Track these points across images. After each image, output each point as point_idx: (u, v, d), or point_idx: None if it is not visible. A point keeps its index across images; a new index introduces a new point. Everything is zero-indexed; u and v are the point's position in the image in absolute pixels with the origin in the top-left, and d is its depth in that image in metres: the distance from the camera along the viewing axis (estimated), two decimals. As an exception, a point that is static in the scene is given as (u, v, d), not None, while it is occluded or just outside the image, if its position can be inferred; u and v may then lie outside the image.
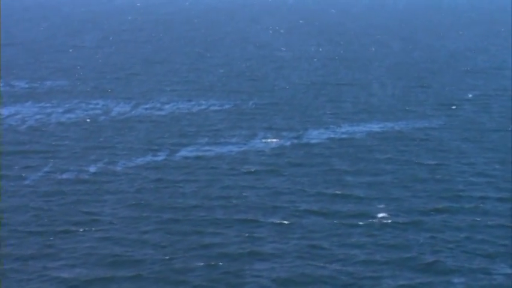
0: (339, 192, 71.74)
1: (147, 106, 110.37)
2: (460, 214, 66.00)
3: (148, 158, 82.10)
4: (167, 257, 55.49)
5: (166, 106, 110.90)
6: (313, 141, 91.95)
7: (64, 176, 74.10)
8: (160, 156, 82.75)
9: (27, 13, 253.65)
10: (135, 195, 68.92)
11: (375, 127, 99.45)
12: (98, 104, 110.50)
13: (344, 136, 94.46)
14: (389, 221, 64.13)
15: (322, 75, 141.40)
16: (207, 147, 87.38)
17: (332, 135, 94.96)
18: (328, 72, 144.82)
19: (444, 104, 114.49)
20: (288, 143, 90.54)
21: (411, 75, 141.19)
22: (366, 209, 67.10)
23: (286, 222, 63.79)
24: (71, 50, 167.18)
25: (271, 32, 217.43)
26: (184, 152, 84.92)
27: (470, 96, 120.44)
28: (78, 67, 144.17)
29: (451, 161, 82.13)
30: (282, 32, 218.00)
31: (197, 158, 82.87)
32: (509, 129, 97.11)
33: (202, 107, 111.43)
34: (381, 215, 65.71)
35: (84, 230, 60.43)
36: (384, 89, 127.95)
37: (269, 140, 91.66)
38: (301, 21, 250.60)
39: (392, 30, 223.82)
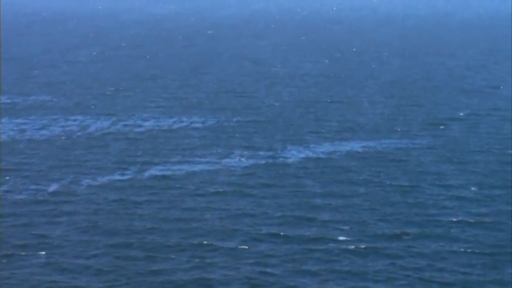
0: (304, 215, 69.21)
1: (127, 123, 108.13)
2: (426, 240, 63.24)
3: (115, 177, 79.80)
4: (108, 284, 52.90)
5: (147, 123, 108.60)
6: (289, 160, 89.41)
7: (21, 196, 71.89)
8: (127, 176, 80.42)
9: (28, 29, 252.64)
10: (90, 217, 66.58)
11: (356, 147, 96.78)
12: (76, 120, 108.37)
13: (322, 156, 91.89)
14: (351, 247, 61.50)
15: (314, 93, 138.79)
16: (177, 167, 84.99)
17: (310, 155, 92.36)
18: (320, 90, 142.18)
19: (432, 123, 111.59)
20: (262, 162, 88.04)
21: (404, 94, 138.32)
22: (328, 233, 64.48)
23: (242, 246, 61.34)
24: (64, 66, 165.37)
25: (270, 48, 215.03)
26: (153, 171, 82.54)
27: (460, 115, 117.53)
28: (67, 82, 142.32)
29: (427, 184, 79.36)
30: (282, 48, 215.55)
31: (165, 177, 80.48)
32: (494, 150, 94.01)
33: (184, 124, 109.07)
34: (342, 239, 63.09)
35: (28, 254, 58.09)
36: (373, 107, 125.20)
37: (244, 159, 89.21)
38: (303, 38, 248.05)
39: (395, 47, 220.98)
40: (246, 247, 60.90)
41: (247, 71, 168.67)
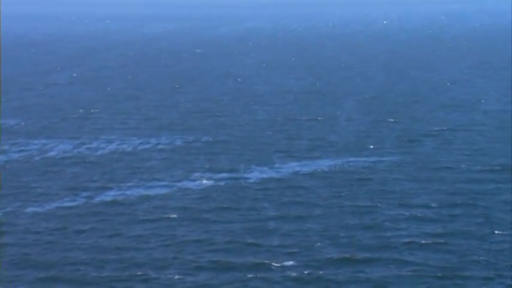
0: (253, 241, 66.08)
1: (90, 146, 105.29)
2: (375, 264, 60.02)
3: (63, 203, 76.80)
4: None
5: (110, 146, 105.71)
6: (250, 182, 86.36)
7: (-44, 227, 68.71)
8: (76, 202, 77.39)
9: (13, 51, 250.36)
10: (24, 249, 63.39)
11: (323, 166, 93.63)
12: (37, 144, 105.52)
13: (285, 176, 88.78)
14: (293, 273, 58.29)
15: (290, 110, 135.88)
16: (131, 191, 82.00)
17: (273, 175, 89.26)
18: (298, 107, 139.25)
19: (406, 140, 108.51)
20: (222, 184, 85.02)
21: (383, 110, 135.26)
22: (274, 259, 61.27)
23: (179, 276, 58.07)
24: (40, 88, 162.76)
25: (257, 66, 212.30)
26: (104, 197, 79.52)
27: (435, 131, 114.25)
28: (39, 106, 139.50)
29: (387, 204, 76.12)
30: (268, 65, 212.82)
31: (115, 203, 77.46)
32: (462, 167, 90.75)
33: (149, 146, 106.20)
34: (287, 265, 59.88)
35: None
36: (348, 124, 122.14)
37: (203, 182, 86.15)
38: (292, 54, 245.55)
39: (383, 62, 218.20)
40: (183, 277, 57.67)
41: (228, 89, 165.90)
